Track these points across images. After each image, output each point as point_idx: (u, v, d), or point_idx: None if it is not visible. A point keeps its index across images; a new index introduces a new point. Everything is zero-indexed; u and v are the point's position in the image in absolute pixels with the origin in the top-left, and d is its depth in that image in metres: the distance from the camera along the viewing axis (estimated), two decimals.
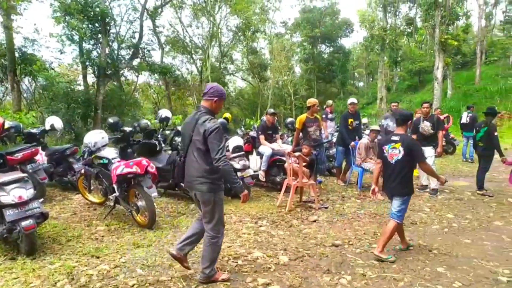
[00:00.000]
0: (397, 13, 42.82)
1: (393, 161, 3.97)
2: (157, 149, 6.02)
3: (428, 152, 6.71)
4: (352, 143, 7.14)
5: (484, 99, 25.93)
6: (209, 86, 3.20)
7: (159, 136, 6.24)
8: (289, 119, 9.06)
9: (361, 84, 57.39)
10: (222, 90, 3.19)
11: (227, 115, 9.68)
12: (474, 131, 7.44)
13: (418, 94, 38.14)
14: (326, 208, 5.85)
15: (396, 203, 3.97)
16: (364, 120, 15.07)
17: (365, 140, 6.96)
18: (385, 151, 4.07)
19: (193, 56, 31.22)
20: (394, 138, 4.03)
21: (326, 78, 44.60)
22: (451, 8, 24.49)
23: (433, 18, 24.22)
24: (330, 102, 9.65)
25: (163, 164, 6.08)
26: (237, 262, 3.67)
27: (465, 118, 11.95)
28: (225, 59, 36.42)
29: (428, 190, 6.92)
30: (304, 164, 5.70)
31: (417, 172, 8.69)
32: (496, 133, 7.13)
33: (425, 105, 6.87)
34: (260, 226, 4.92)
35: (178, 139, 6.33)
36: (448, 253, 4.17)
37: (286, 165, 5.97)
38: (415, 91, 41.16)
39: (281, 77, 39.14)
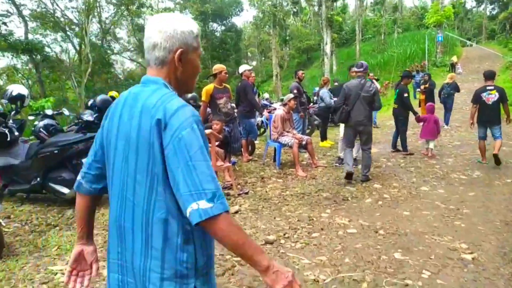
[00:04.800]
0: None
1: (490, 102, 6.06)
2: (8, 139, 4.25)
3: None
4: (267, 114, 6.30)
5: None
6: (364, 65, 5.45)
7: (10, 122, 4.43)
8: (190, 95, 7.77)
9: (254, 63, 58.05)
10: (367, 64, 5.55)
11: (113, 93, 7.96)
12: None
13: (308, 70, 39.96)
14: (247, 193, 4.89)
15: (496, 130, 6.09)
16: (266, 95, 14.67)
17: (280, 111, 6.14)
18: (482, 97, 6.11)
19: (68, 33, 26.96)
20: (489, 87, 6.11)
21: (220, 57, 43.73)
22: None
23: None
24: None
25: (20, 159, 4.36)
26: None
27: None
28: (107, 37, 32.58)
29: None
30: (216, 143, 4.61)
31: (330, 142, 8.35)
32: (406, 94, 7.11)
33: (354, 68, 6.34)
34: None
35: (41, 124, 4.61)
36: (396, 231, 3.59)
37: None
38: (304, 67, 43.09)
39: None
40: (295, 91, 6.99)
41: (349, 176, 5.38)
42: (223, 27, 45.85)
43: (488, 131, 6.25)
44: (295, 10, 48.75)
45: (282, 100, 9.83)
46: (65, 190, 4.18)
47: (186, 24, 1.15)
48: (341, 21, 30.99)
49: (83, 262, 1.28)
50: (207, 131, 4.49)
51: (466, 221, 3.81)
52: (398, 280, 2.66)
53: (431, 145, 6.98)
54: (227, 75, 5.48)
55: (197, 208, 0.94)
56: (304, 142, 6.07)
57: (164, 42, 1.11)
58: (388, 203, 4.49)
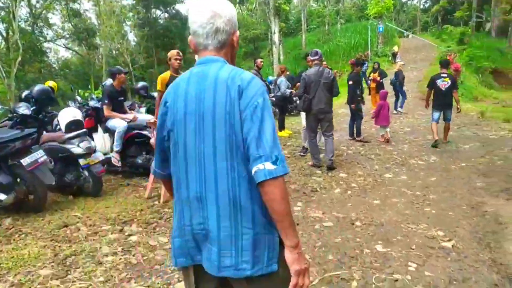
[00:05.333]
0: None
1: (444, 89, 6.56)
2: None
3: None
4: None
5: None
6: (318, 52, 5.51)
7: None
8: (141, 83, 7.15)
9: None
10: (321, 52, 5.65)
11: (51, 83, 7.14)
12: None
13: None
14: None
15: (449, 113, 6.68)
16: None
17: None
18: (437, 83, 6.61)
19: None
20: (443, 75, 6.64)
21: (165, 46, 42.06)
22: None
23: None
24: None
25: None
26: None
27: None
28: (39, 23, 29.88)
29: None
30: None
31: (288, 132, 8.24)
32: (350, 82, 7.23)
33: (309, 58, 6.13)
34: (130, 235, 3.30)
35: None
36: (371, 222, 3.51)
37: (152, 141, 4.35)
38: (251, 57, 42.85)
39: (114, 45, 34.77)
40: None
41: (315, 166, 5.40)
42: (166, 15, 44.16)
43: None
44: None
45: None
46: (1, 197, 3.58)
47: (233, 8, 1.25)
48: (288, 10, 31.18)
49: None
50: None
51: (435, 207, 3.85)
52: (386, 275, 2.55)
53: (387, 130, 7.17)
54: (178, 61, 5.00)
55: (263, 168, 1.06)
56: None
57: (225, 26, 1.20)
58: (357, 192, 4.44)
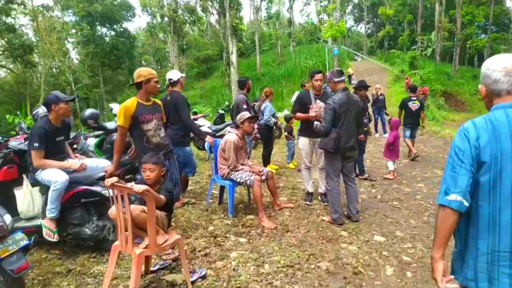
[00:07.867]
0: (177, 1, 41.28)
1: (414, 110, 7.62)
2: None
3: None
4: (211, 139, 4.47)
5: (271, 82, 28.11)
6: (342, 72, 4.25)
7: None
8: (89, 111, 5.26)
9: None
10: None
11: None
12: None
13: (208, 80, 38.59)
14: (204, 277, 2.99)
15: (416, 131, 7.90)
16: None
17: (233, 136, 4.30)
18: (409, 105, 7.64)
19: None
20: (413, 98, 7.74)
21: (112, 64, 39.77)
22: None
23: (219, 5, 24.02)
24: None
25: None
26: None
27: None
28: None
29: (318, 197, 5.00)
30: (157, 203, 2.61)
31: (274, 167, 6.85)
32: None
33: (319, 76, 4.75)
34: None
35: None
36: None
37: (112, 210, 2.67)
38: (204, 78, 41.57)
39: (55, 63, 31.84)
40: (244, 106, 5.27)
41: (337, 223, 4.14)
42: (113, 32, 41.84)
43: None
44: (192, 19, 47.22)
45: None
46: None
47: None
48: (244, 30, 30.63)
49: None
50: (140, 188, 2.46)
51: None
52: None
53: (395, 165, 6.37)
54: (158, 86, 3.49)
55: None
56: (264, 177, 4.38)
57: None
58: (419, 272, 3.08)
